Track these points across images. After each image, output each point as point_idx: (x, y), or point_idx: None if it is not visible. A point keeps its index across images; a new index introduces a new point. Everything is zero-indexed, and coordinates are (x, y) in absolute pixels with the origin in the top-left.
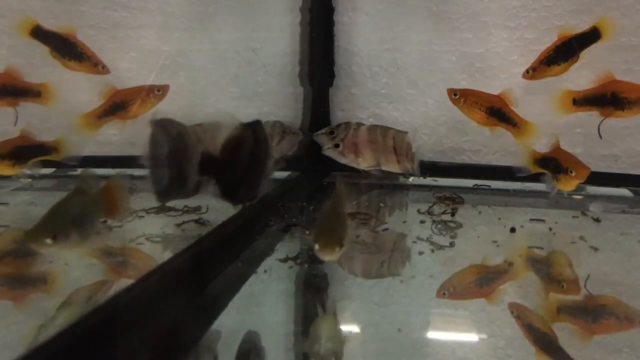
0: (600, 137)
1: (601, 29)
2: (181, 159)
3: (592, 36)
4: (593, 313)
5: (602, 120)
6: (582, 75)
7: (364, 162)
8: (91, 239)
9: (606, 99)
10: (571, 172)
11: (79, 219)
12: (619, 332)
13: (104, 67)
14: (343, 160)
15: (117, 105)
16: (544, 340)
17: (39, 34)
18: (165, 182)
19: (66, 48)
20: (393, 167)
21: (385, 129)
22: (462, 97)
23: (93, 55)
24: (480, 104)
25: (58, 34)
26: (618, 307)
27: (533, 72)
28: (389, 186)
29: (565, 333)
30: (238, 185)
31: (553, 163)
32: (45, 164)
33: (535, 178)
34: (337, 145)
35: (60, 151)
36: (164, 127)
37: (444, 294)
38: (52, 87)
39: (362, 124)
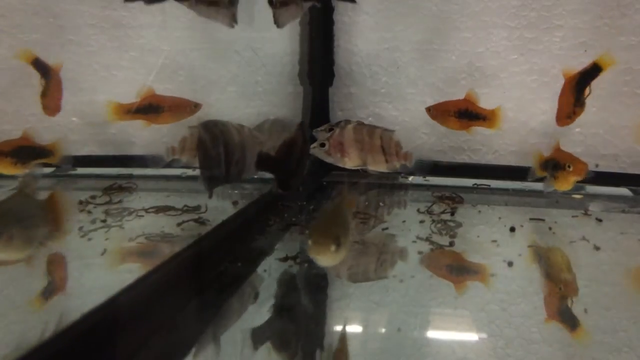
0: None
1: (602, 64)
2: (224, 156)
3: (595, 72)
4: None
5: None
6: None
7: (350, 162)
8: (35, 246)
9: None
10: (568, 166)
11: (22, 221)
12: None
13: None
14: (329, 160)
15: (151, 107)
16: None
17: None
18: (211, 175)
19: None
20: (380, 167)
21: (372, 128)
22: (435, 110)
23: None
24: (450, 112)
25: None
26: None
27: (568, 119)
28: (388, 186)
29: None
30: (291, 178)
31: (552, 163)
32: (45, 163)
33: (536, 178)
34: (322, 145)
35: (56, 154)
36: (209, 128)
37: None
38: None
39: (362, 123)
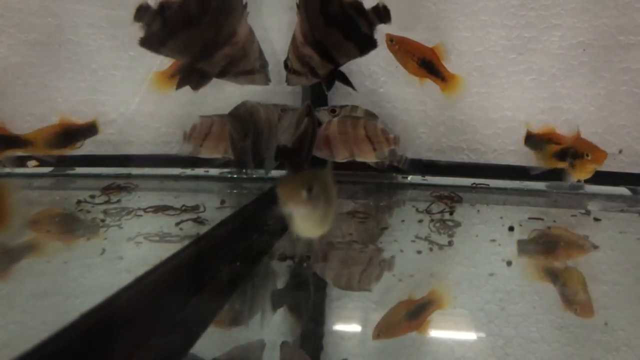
0: None
1: None
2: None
3: None
4: None
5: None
6: (580, 73)
7: (338, 155)
8: None
9: None
10: (587, 155)
11: None
12: None
13: None
14: (318, 154)
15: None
16: None
17: None
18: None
19: None
20: (369, 157)
21: (355, 119)
22: (397, 44)
23: None
24: (413, 54)
25: None
26: None
27: None
28: (387, 185)
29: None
30: (303, 162)
31: (570, 152)
32: (44, 162)
33: (535, 177)
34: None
35: (36, 146)
36: (238, 120)
37: (378, 335)
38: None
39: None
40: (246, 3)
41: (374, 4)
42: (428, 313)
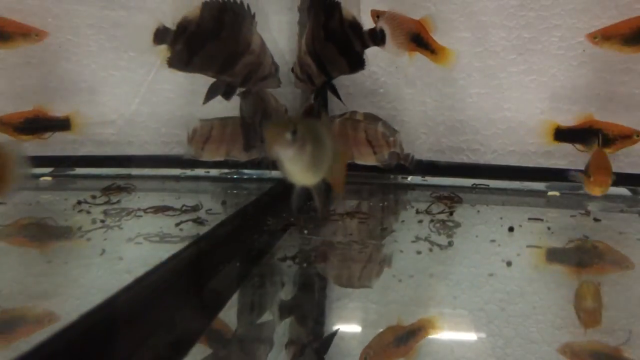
0: None
1: None
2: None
3: None
4: None
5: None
6: (580, 74)
7: None
8: None
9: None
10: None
11: None
12: None
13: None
14: None
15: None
16: None
17: None
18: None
19: None
20: (369, 160)
21: (355, 122)
22: (388, 20)
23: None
24: (401, 28)
25: None
26: None
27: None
28: (387, 186)
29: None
30: None
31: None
32: (43, 163)
33: (535, 177)
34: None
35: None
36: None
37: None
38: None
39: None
40: (254, 13)
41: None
42: (417, 339)
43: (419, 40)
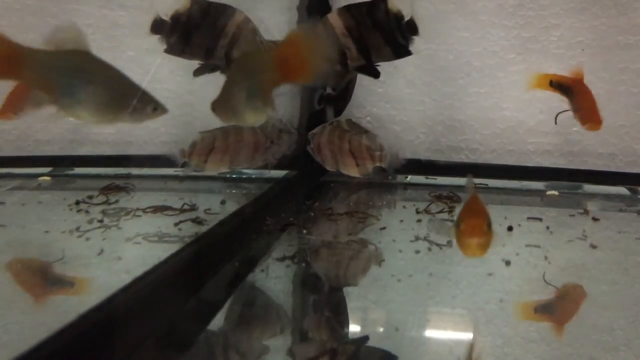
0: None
1: None
2: None
3: None
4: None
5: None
6: None
7: (327, 164)
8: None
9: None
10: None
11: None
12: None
13: None
14: (316, 158)
15: None
16: None
17: None
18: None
19: None
20: (352, 171)
21: (342, 132)
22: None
23: None
24: None
25: None
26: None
27: None
28: (386, 185)
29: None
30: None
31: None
32: (43, 163)
33: (534, 177)
34: (308, 143)
35: None
36: None
37: None
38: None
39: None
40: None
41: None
42: None
43: None
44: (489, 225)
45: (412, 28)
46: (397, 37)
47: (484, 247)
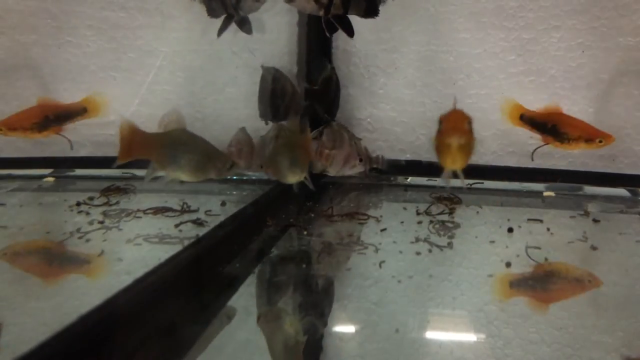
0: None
1: None
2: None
3: None
4: (543, 282)
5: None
6: (579, 75)
7: (314, 167)
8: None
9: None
10: (600, 141)
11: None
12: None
13: None
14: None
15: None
16: None
17: None
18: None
19: None
20: (332, 172)
21: (340, 134)
22: None
23: None
24: None
25: None
26: (566, 271)
27: None
28: (386, 186)
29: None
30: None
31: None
32: (43, 164)
33: (534, 179)
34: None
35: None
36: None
37: None
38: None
39: (341, 126)
40: None
41: None
42: None
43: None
44: (470, 123)
45: None
46: None
47: (466, 149)
